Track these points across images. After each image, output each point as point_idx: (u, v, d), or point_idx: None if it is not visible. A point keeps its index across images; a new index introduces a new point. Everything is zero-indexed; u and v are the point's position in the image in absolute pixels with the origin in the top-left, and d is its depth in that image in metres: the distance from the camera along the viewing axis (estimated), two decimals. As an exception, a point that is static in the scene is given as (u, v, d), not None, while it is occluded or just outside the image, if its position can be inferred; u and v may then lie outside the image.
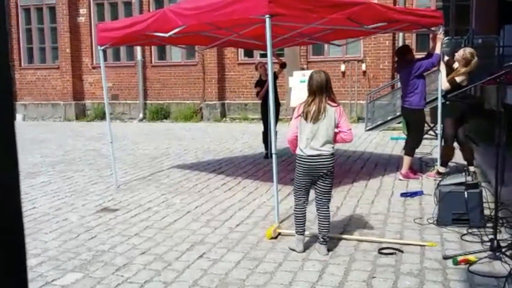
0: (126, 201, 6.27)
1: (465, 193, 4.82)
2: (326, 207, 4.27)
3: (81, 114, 17.97)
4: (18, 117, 18.05)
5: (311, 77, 4.25)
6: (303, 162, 4.21)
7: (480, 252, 4.05)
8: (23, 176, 7.52)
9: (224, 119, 16.19)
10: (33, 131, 14.28)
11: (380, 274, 3.80)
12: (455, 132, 6.74)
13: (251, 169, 8.09)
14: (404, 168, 7.04)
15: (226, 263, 4.11)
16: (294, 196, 4.38)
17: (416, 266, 3.93)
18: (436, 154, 7.61)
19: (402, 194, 6.11)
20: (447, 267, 3.87)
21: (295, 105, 4.54)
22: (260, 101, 9.19)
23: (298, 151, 4.27)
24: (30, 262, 4.17)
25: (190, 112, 16.44)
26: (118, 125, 15.67)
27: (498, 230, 4.20)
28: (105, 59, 12.49)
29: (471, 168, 6.64)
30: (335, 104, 4.21)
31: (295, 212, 4.36)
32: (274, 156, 5.04)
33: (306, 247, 4.35)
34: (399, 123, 11.64)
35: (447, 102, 6.82)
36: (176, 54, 16.72)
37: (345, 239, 4.60)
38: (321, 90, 4.16)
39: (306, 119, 4.17)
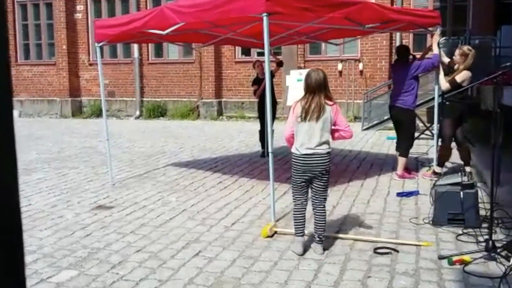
0: (121, 199, 6.26)
1: (461, 193, 4.83)
2: (322, 206, 4.27)
3: (77, 111, 17.92)
4: (14, 113, 17.93)
5: (309, 75, 4.23)
6: (298, 161, 4.21)
7: (475, 252, 4.06)
8: (19, 173, 7.49)
9: (220, 117, 16.17)
10: (29, 128, 14.23)
11: (375, 273, 3.80)
12: (454, 132, 6.76)
13: (247, 168, 8.09)
14: (400, 169, 7.05)
15: (221, 262, 4.11)
16: (293, 197, 4.37)
17: (412, 266, 3.93)
18: (432, 154, 7.63)
19: (398, 194, 6.12)
20: (442, 267, 3.88)
21: (291, 103, 4.54)
22: (257, 100, 9.18)
23: (293, 150, 4.26)
24: (25, 259, 4.15)
25: (186, 110, 16.42)
26: (115, 122, 15.63)
27: (493, 231, 4.21)
28: (102, 56, 12.46)
29: (467, 169, 6.65)
30: (331, 103, 4.21)
31: (294, 213, 4.34)
32: (270, 154, 5.04)
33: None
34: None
35: (447, 103, 6.81)
36: (173, 51, 16.69)
37: (341, 238, 4.60)
38: (319, 88, 4.16)
39: (304, 118, 4.16)
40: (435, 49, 6.81)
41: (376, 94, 13.28)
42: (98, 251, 4.42)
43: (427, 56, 7.42)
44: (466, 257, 3.94)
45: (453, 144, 6.97)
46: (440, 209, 4.90)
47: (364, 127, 12.53)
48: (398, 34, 13.71)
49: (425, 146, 9.57)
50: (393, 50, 13.01)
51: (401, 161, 7.05)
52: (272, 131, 5.32)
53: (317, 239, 4.27)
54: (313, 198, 4.28)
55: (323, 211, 4.29)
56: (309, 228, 4.57)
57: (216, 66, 16.02)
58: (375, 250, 4.25)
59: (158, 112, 16.84)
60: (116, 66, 17.36)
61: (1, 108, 0.68)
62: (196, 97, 16.50)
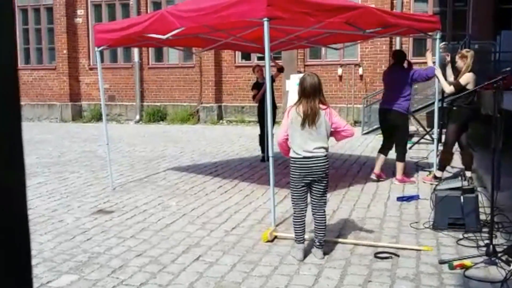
0: (122, 203, 6.25)
1: (461, 197, 4.83)
2: (322, 210, 4.27)
3: (77, 115, 17.93)
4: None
5: (304, 80, 4.23)
6: (297, 165, 4.20)
7: (476, 257, 4.06)
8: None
9: (220, 121, 16.18)
10: (29, 132, 14.23)
11: (376, 278, 3.80)
12: (458, 138, 6.76)
13: (247, 172, 8.08)
14: (399, 174, 7.07)
15: (222, 266, 4.10)
16: (292, 204, 4.36)
17: (412, 270, 3.93)
18: (432, 159, 7.63)
19: (399, 199, 6.11)
20: (443, 272, 3.88)
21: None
22: (256, 104, 9.19)
23: (292, 154, 4.26)
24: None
25: (186, 114, 16.43)
26: (115, 126, 15.64)
27: (493, 235, 4.20)
28: (102, 60, 12.47)
29: (468, 173, 6.65)
30: (324, 107, 4.21)
31: (294, 220, 4.33)
32: (271, 159, 5.04)
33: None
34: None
35: (454, 108, 6.78)
36: (173, 56, 16.71)
37: (341, 243, 4.59)
38: (314, 93, 4.16)
39: (299, 123, 4.16)
40: (429, 62, 6.86)
41: (376, 99, 13.27)
42: (99, 255, 4.42)
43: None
44: (467, 262, 3.94)
45: (455, 148, 6.98)
46: (441, 214, 4.89)
47: (364, 132, 12.54)
48: (398, 38, 13.75)
49: (425, 150, 9.57)
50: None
51: (400, 166, 7.06)
52: (272, 135, 5.32)
53: (317, 243, 4.26)
54: (313, 202, 4.28)
55: (323, 216, 4.28)
56: (309, 232, 4.57)
57: (216, 71, 16.04)
58: (375, 255, 4.24)
59: (158, 116, 16.85)
60: (116, 70, 17.39)
61: (10, 113, 0.69)
62: (196, 102, 16.52)
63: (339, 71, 14.81)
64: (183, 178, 7.69)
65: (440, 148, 7.42)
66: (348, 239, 4.71)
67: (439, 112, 7.39)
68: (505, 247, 4.16)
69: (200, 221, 5.40)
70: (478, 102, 7.39)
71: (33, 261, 4.24)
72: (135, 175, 8.05)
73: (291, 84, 8.70)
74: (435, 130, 7.76)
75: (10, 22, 0.69)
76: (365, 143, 10.98)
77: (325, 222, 4.31)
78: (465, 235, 4.64)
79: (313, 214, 4.30)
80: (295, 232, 4.30)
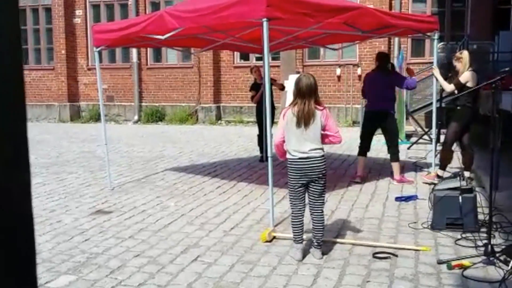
0: (120, 203, 6.25)
1: (460, 197, 4.83)
2: (320, 210, 4.27)
3: (75, 116, 17.92)
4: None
5: (300, 80, 4.22)
6: (294, 165, 4.20)
7: (474, 257, 4.06)
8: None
9: (219, 122, 16.18)
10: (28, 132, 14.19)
11: (374, 278, 3.80)
12: (458, 137, 6.77)
13: (246, 172, 8.08)
14: (397, 174, 7.07)
15: (220, 267, 4.10)
16: (290, 204, 4.36)
17: (411, 270, 3.93)
18: (431, 159, 7.63)
19: (397, 199, 6.11)
20: (441, 272, 3.88)
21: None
22: (255, 104, 9.20)
23: (288, 155, 4.26)
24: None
25: (185, 115, 16.43)
26: (113, 127, 15.63)
27: (492, 235, 4.21)
28: (101, 60, 12.46)
29: (467, 174, 6.65)
30: (321, 108, 4.21)
31: (293, 220, 4.33)
32: (269, 159, 5.04)
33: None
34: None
35: (458, 107, 6.78)
36: (171, 56, 16.71)
37: (340, 243, 4.60)
38: (310, 93, 4.16)
39: (297, 123, 4.16)
40: (438, 77, 6.98)
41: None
42: (97, 256, 4.41)
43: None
44: (465, 262, 3.94)
45: (455, 148, 6.99)
46: (439, 214, 4.90)
47: (363, 132, 12.52)
48: (396, 39, 13.76)
49: (424, 151, 9.58)
50: (390, 55, 13.03)
51: (396, 165, 7.08)
52: (271, 135, 5.32)
53: (316, 244, 4.26)
54: (311, 203, 4.28)
55: (321, 216, 4.28)
56: (308, 232, 4.57)
57: (215, 71, 16.04)
58: (374, 255, 4.25)
59: (156, 116, 16.84)
60: (115, 70, 17.38)
61: (16, 113, 0.69)
62: (195, 102, 16.51)
63: (338, 71, 14.82)
64: (182, 179, 7.69)
65: (439, 148, 7.43)
66: (346, 239, 4.71)
67: (437, 112, 7.39)
68: (503, 247, 4.16)
69: (198, 222, 5.40)
70: (477, 102, 7.40)
71: (32, 262, 4.25)
72: (134, 175, 8.05)
73: (290, 85, 8.74)
74: (433, 130, 7.76)
75: (16, 22, 0.69)
76: (364, 144, 10.97)
77: (323, 222, 4.31)
78: (464, 235, 4.65)
79: (311, 214, 4.30)
80: (294, 232, 4.30)
